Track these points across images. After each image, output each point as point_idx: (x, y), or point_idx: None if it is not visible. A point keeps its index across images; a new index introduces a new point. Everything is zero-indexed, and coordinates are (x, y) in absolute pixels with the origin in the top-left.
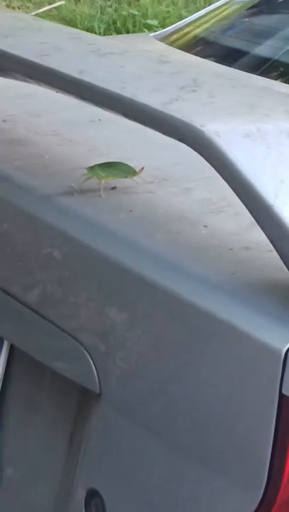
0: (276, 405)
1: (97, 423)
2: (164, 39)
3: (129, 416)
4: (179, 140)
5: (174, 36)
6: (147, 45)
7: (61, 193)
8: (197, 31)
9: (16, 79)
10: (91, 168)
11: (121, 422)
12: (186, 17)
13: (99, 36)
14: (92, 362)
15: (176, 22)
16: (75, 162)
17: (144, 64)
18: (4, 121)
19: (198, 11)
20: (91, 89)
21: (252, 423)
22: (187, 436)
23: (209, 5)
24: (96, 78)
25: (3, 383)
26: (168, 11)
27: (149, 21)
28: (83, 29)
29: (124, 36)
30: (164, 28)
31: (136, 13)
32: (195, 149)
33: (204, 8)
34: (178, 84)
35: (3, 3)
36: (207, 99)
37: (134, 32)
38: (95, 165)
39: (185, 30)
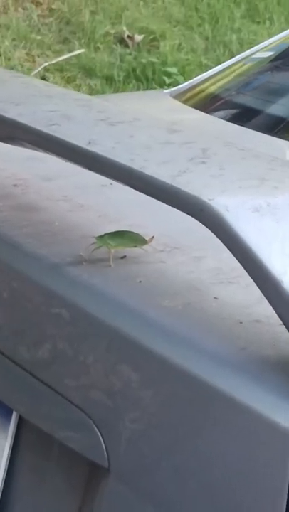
0: (286, 484)
1: (106, 498)
2: (178, 96)
3: (139, 491)
4: (188, 214)
5: (189, 94)
6: (161, 103)
7: (70, 262)
8: (212, 89)
9: (25, 147)
10: (101, 237)
11: (130, 497)
12: (205, 65)
13: (108, 102)
14: (100, 435)
15: (195, 70)
16: (85, 229)
17: (154, 133)
18: (15, 185)
19: (218, 58)
20: (99, 161)
21: (263, 501)
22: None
23: (229, 52)
24: (104, 149)
25: (11, 453)
26: (187, 59)
27: (168, 69)
28: (102, 77)
29: (139, 93)
30: (183, 75)
31: (155, 60)
32: (203, 223)
33: (224, 55)
34: (187, 155)
35: (23, 51)
36: (216, 171)
37: (153, 79)
38: (105, 234)
39: (200, 88)
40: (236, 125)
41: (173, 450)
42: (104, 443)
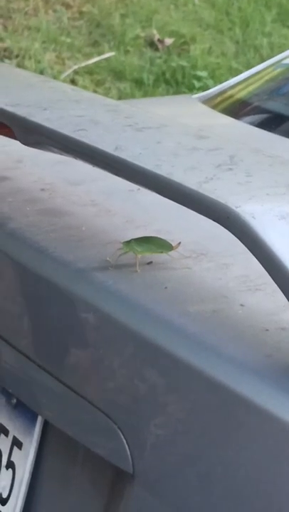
0: None
1: (130, 504)
2: (207, 101)
3: (163, 498)
4: (214, 220)
5: (218, 99)
6: (190, 108)
7: (97, 268)
8: (241, 94)
9: (52, 152)
10: (127, 242)
11: (154, 503)
12: (235, 69)
13: (137, 107)
14: (125, 441)
15: (225, 74)
16: (112, 234)
17: (181, 139)
18: (43, 190)
19: (249, 62)
20: (126, 167)
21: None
22: None
23: (260, 56)
24: (131, 155)
25: (36, 458)
26: (217, 63)
27: (198, 73)
28: (132, 80)
29: (168, 98)
30: (213, 79)
31: (185, 64)
32: (230, 231)
33: (254, 59)
34: (214, 162)
35: (53, 54)
36: (243, 178)
37: (183, 83)
38: (131, 239)
39: (229, 93)
40: (265, 131)
41: (197, 456)
42: (129, 448)
